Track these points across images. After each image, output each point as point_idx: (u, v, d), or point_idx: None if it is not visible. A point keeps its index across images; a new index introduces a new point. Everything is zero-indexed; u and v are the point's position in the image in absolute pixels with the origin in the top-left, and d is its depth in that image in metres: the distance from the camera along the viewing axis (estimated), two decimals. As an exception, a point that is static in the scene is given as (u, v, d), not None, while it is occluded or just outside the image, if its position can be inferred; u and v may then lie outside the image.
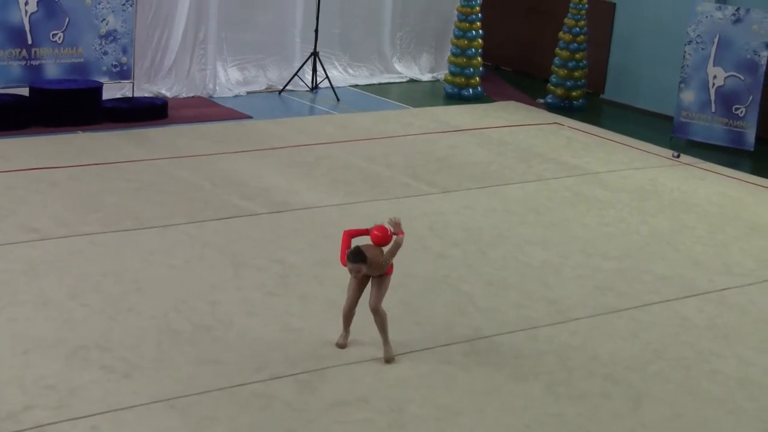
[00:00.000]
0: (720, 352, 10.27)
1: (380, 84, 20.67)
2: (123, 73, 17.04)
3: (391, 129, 17.33)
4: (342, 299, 9.65)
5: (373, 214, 13.24)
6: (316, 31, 19.26)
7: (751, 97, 17.42)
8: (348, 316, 9.65)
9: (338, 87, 19.52)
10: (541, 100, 19.90)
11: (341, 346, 9.68)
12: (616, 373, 9.70)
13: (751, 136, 17.48)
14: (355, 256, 9.20)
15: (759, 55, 17.23)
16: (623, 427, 8.82)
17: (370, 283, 9.54)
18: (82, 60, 16.64)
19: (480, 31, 19.95)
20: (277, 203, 13.39)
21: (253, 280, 11.05)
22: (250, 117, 17.50)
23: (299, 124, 17.36)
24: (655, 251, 12.80)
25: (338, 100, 18.92)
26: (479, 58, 20.00)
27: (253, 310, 10.35)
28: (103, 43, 16.73)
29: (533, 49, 21.69)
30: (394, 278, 11.33)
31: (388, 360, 9.51)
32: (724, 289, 11.81)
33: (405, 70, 21.38)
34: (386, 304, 9.77)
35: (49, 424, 8.16)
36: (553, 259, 12.31)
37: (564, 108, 19.50)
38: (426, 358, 9.73)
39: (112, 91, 17.08)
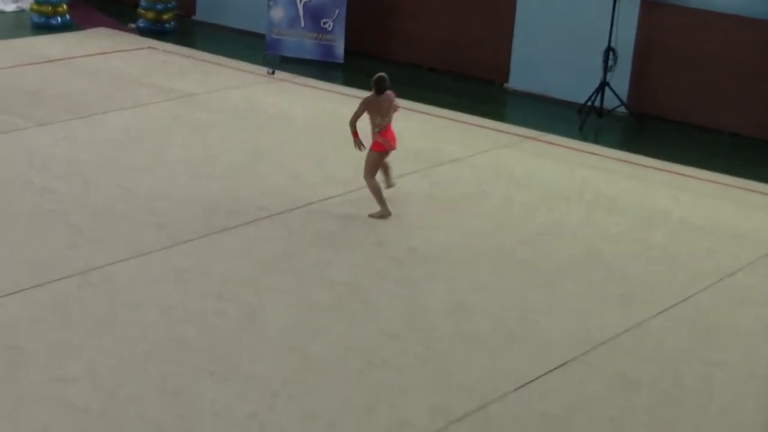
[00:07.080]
0: (329, 261, 10.70)
1: (-41, 16, 19.58)
2: None
3: (-24, 63, 16.52)
4: None
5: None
6: None
7: (337, 11, 18.00)
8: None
9: None
10: (133, 25, 19.59)
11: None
12: (230, 290, 9.91)
13: (339, 48, 18.10)
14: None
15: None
16: (240, 342, 9.05)
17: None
18: None
19: (60, -45, 19.27)
20: None
21: None
22: None
23: None
24: (259, 168, 13.07)
25: None
26: (64, -15, 19.36)
27: None
28: None
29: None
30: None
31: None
32: (326, 198, 12.28)
33: (-14, 1, 20.35)
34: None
35: None
36: (160, 184, 12.29)
37: (156, 32, 19.31)
38: (38, 295, 9.50)
39: None
